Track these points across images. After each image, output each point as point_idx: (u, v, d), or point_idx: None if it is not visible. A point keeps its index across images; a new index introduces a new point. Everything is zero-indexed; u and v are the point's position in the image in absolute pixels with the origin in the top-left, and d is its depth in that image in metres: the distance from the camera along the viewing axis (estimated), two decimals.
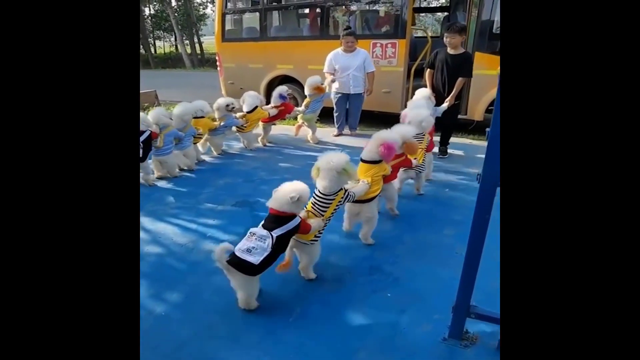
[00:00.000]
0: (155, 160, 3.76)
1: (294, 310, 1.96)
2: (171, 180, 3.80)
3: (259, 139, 5.01)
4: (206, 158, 4.53)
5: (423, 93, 3.96)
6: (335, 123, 5.38)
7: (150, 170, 3.76)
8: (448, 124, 4.26)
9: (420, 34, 8.01)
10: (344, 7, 6.05)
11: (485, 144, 5.14)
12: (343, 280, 2.19)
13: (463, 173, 3.79)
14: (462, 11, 6.44)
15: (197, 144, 4.40)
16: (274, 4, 6.73)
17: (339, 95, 5.06)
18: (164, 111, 3.84)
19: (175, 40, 22.12)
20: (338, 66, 4.89)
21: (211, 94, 7.14)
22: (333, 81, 4.87)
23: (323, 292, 2.11)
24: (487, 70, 4.81)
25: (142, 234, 2.73)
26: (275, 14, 7.05)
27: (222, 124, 4.47)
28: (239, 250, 1.83)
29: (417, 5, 9.11)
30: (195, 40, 23.77)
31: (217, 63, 7.23)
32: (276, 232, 1.86)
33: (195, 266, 2.36)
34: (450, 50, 4.05)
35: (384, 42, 5.46)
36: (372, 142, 2.50)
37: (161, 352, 1.73)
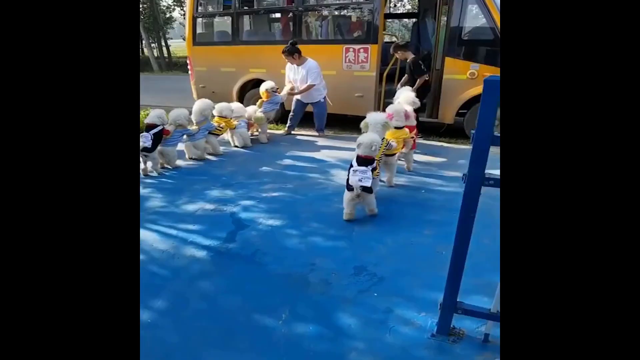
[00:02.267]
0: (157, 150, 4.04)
1: (283, 313, 1.97)
2: (147, 185, 3.72)
3: (260, 135, 5.44)
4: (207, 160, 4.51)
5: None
6: (288, 121, 5.78)
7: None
8: None
9: (388, 39, 8.17)
10: (316, 12, 6.12)
11: (458, 146, 5.25)
12: (329, 282, 2.21)
13: (437, 175, 3.90)
14: (431, 17, 6.61)
15: (222, 135, 4.96)
16: (246, 8, 6.70)
17: (297, 100, 5.58)
18: (186, 113, 4.28)
19: (142, 43, 21.53)
20: (292, 78, 5.49)
21: (182, 98, 7.02)
22: (292, 89, 5.43)
23: (310, 293, 2.12)
24: (456, 75, 4.98)
25: None
26: (248, 18, 7.02)
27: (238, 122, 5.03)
28: (354, 181, 2.74)
29: (386, 11, 9.27)
30: (163, 43, 23.27)
31: (188, 67, 7.12)
32: (369, 167, 2.81)
33: (178, 272, 2.32)
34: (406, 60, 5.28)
35: (356, 47, 5.55)
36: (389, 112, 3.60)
37: (152, 359, 1.70)
